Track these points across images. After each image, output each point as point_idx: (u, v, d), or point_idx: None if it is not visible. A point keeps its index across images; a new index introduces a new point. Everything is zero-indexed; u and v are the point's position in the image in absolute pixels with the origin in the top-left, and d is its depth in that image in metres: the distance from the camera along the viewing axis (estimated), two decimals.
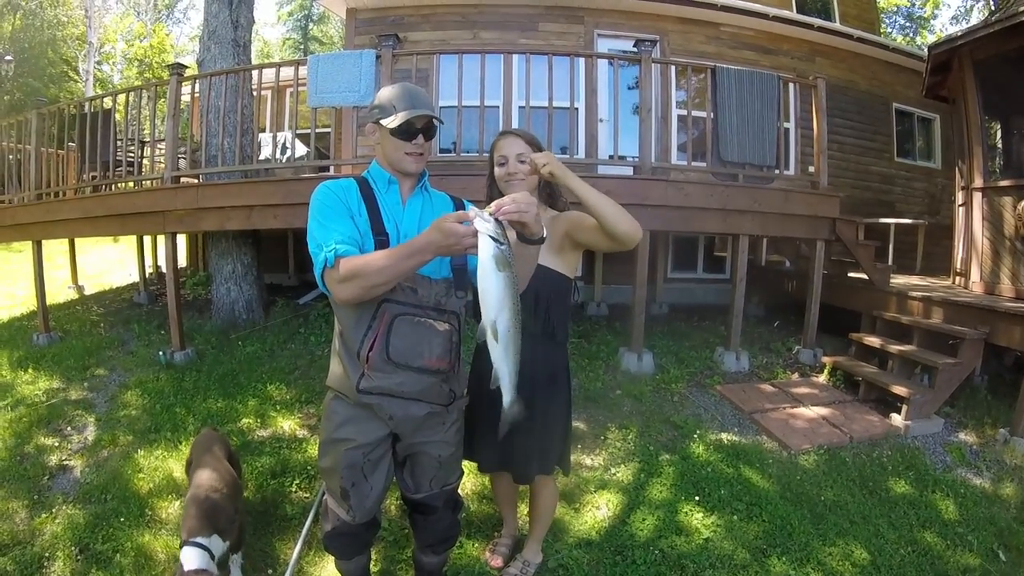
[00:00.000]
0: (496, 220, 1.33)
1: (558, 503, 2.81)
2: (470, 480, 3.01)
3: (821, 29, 7.34)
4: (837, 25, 7.83)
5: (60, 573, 2.51)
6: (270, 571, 2.50)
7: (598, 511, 2.89)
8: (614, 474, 3.20)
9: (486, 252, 1.31)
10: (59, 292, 7.57)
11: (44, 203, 5.47)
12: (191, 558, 1.88)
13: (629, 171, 4.57)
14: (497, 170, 2.02)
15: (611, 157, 4.85)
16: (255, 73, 5.14)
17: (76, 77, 21.26)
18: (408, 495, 1.98)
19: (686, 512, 2.86)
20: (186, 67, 5.10)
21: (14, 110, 16.95)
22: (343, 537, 1.92)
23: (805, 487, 3.10)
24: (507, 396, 1.52)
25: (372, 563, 2.37)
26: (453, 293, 1.75)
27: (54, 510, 2.91)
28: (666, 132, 4.93)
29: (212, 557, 1.93)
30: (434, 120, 1.74)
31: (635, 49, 4.44)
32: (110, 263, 9.71)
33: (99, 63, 23.82)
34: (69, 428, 3.88)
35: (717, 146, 4.60)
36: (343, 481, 1.80)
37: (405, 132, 1.68)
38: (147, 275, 7.39)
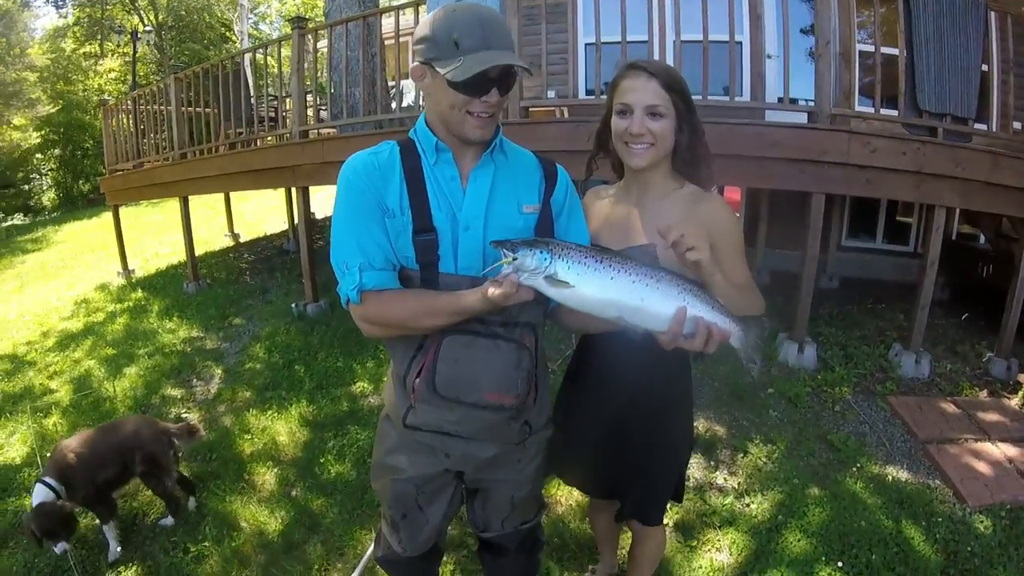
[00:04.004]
0: (529, 249, 1.11)
1: (670, 536, 2.37)
2: (575, 494, 2.61)
3: None
4: None
5: (150, 533, 2.57)
6: (339, 564, 2.37)
7: (718, 554, 2.37)
8: (747, 504, 2.64)
9: (547, 290, 1.13)
10: (216, 240, 8.18)
11: (186, 162, 5.74)
12: (37, 494, 2.21)
13: (803, 118, 3.75)
14: (616, 121, 1.38)
15: (780, 100, 4.00)
16: (384, 21, 4.91)
17: (233, 38, 22.93)
18: (476, 531, 1.62)
19: None
20: (307, 20, 5.02)
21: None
22: (396, 566, 1.63)
23: (975, 562, 2.32)
24: (733, 338, 1.20)
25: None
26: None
27: None
28: (847, 72, 3.94)
29: (57, 495, 2.23)
30: (516, 68, 1.19)
31: None
32: (268, 211, 10.08)
33: (256, 23, 25.50)
34: (196, 380, 4.07)
35: (912, 90, 3.57)
36: (392, 511, 1.49)
37: (474, 85, 1.15)
38: (295, 222, 7.70)
